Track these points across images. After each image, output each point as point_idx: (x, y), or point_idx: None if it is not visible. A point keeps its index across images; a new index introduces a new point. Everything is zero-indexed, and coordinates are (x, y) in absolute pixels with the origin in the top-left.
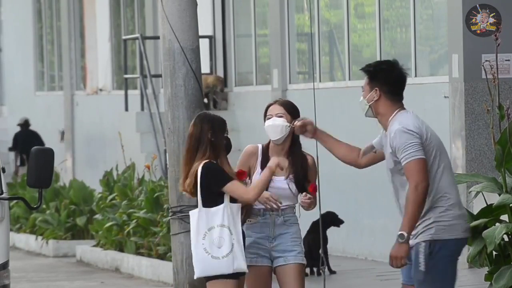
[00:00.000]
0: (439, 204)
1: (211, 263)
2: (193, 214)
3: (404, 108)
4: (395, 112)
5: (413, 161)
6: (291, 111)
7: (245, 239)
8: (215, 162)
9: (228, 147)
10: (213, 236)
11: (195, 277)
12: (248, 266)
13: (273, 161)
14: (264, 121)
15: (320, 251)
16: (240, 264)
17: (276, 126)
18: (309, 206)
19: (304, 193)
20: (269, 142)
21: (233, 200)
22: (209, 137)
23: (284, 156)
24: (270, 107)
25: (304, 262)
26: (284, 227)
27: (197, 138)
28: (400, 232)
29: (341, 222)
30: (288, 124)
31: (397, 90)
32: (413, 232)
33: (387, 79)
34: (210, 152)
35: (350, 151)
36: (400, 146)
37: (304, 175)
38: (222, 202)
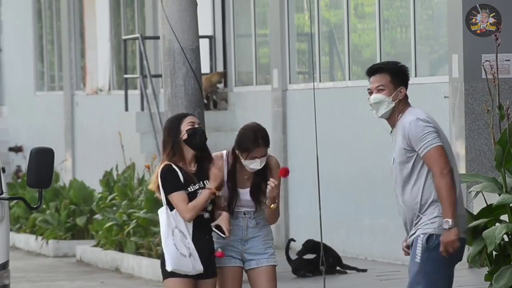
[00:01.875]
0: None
1: (181, 260)
2: (162, 212)
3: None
4: (406, 108)
5: (433, 149)
6: (268, 141)
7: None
8: (172, 165)
9: (193, 141)
10: (179, 235)
11: (168, 270)
12: (220, 268)
13: (212, 184)
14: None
15: (320, 251)
16: (199, 266)
17: (258, 169)
18: (271, 195)
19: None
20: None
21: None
22: (170, 138)
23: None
24: (255, 150)
25: (276, 263)
26: (256, 230)
27: (163, 141)
28: (444, 220)
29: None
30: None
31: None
32: (415, 227)
33: (407, 78)
34: (171, 153)
35: None
36: (417, 135)
37: (261, 180)
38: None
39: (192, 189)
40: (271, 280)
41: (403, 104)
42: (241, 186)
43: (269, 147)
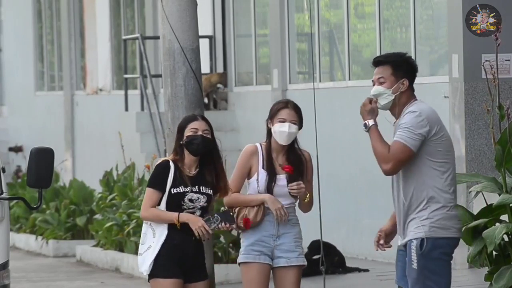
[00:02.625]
0: (434, 202)
1: (139, 258)
2: None
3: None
4: (412, 101)
5: (400, 143)
6: (300, 116)
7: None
8: (170, 162)
9: (190, 148)
10: (143, 231)
11: None
12: (251, 263)
13: (181, 218)
14: (270, 119)
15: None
16: (145, 267)
17: (291, 134)
18: (299, 194)
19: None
20: (269, 142)
21: (170, 209)
22: (176, 139)
23: (284, 155)
24: (284, 111)
25: (305, 263)
26: (288, 227)
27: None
28: (369, 124)
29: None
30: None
31: (414, 81)
32: (407, 230)
33: (411, 71)
34: (175, 153)
35: None
36: (404, 124)
37: (301, 170)
38: (159, 204)
39: (181, 190)
40: (296, 281)
41: (406, 96)
42: (277, 173)
43: (301, 119)
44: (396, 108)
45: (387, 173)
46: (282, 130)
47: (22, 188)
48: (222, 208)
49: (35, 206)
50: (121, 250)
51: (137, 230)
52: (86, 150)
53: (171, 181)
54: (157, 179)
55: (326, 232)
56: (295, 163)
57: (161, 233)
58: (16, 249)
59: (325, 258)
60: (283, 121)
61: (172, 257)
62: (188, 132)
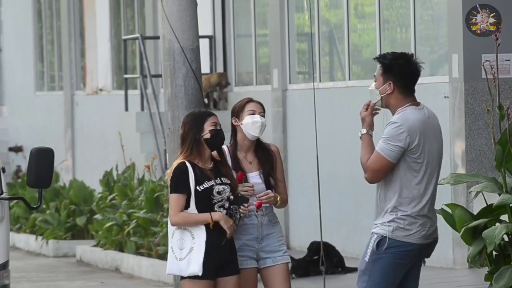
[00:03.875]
0: (404, 206)
1: (174, 263)
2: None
3: (417, 103)
4: (406, 105)
5: (381, 155)
6: (264, 110)
7: (232, 245)
8: (186, 163)
9: (213, 142)
10: (178, 237)
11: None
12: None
13: (219, 218)
14: (236, 117)
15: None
16: (195, 269)
17: (263, 125)
18: (269, 203)
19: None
20: (234, 143)
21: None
22: (191, 134)
23: (253, 151)
24: (250, 104)
25: (289, 260)
26: (270, 227)
27: (182, 135)
28: (363, 133)
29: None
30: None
31: (410, 85)
32: (375, 222)
33: (402, 74)
34: (189, 150)
35: None
36: (384, 134)
37: (271, 166)
38: (189, 206)
39: (208, 185)
40: (285, 277)
41: (395, 99)
42: (248, 171)
43: (265, 112)
44: (389, 109)
45: (367, 181)
46: (255, 121)
47: (22, 188)
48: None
49: (35, 206)
50: (121, 250)
51: (137, 230)
52: (86, 150)
53: (194, 180)
54: (179, 182)
55: (326, 232)
56: (264, 158)
57: (200, 233)
58: (16, 249)
59: (325, 258)
60: (253, 113)
61: (211, 257)
62: (209, 127)
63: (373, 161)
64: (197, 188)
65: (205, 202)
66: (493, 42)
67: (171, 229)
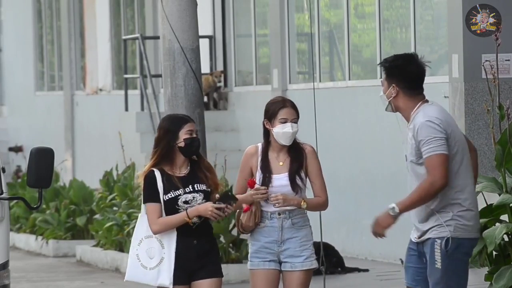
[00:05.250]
0: (458, 201)
1: (140, 271)
2: (139, 218)
3: (427, 100)
4: (418, 105)
5: (434, 156)
6: (298, 112)
7: (187, 255)
8: (155, 171)
9: (187, 151)
10: (146, 246)
11: (124, 280)
12: (256, 270)
13: (192, 213)
14: (268, 120)
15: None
16: (165, 281)
17: (294, 134)
18: (282, 205)
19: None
20: (267, 142)
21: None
22: (164, 141)
23: (286, 151)
24: (283, 110)
25: (313, 266)
26: (292, 231)
27: (156, 138)
28: (394, 206)
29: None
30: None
31: (415, 85)
32: (427, 226)
33: (403, 75)
34: (160, 157)
35: None
36: (423, 139)
37: (299, 166)
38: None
39: (173, 195)
40: (301, 285)
41: (403, 101)
42: (276, 172)
43: (298, 115)
44: (400, 112)
45: (444, 185)
46: (285, 131)
47: (22, 188)
48: (217, 195)
49: (35, 206)
50: (121, 250)
51: None
52: (86, 150)
53: (162, 189)
54: (150, 192)
55: (326, 232)
56: (294, 158)
57: (170, 242)
58: (16, 249)
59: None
60: (285, 121)
61: (182, 265)
62: (184, 135)
63: (434, 165)
64: (164, 197)
65: (172, 212)
66: (493, 42)
67: (139, 236)
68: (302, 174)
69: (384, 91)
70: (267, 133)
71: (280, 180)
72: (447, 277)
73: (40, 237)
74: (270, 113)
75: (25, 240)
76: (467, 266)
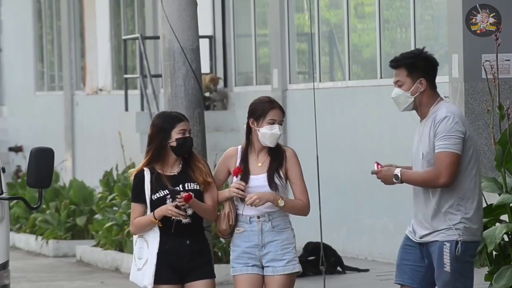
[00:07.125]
0: (467, 204)
1: (134, 271)
2: None
3: (442, 98)
4: (437, 100)
5: (448, 153)
6: (284, 114)
7: (172, 255)
8: (144, 170)
9: (179, 150)
10: (138, 245)
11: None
12: (238, 275)
13: (157, 213)
14: (255, 119)
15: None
16: (146, 282)
17: (280, 136)
18: (255, 205)
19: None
20: (247, 142)
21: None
22: (157, 139)
23: (266, 153)
24: (272, 112)
25: (296, 270)
26: (273, 234)
27: (149, 136)
28: (399, 174)
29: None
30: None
31: (435, 78)
32: (435, 227)
33: (429, 68)
34: (151, 156)
35: None
36: (441, 132)
37: (278, 166)
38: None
39: (161, 194)
40: None
41: (427, 96)
42: (254, 173)
43: (284, 115)
44: (419, 109)
45: (447, 184)
46: (273, 132)
47: (22, 188)
48: (182, 193)
49: (35, 206)
50: (121, 250)
51: None
52: (86, 150)
53: (149, 189)
54: (135, 192)
55: (326, 232)
56: (273, 158)
57: (153, 242)
58: (16, 249)
59: (319, 259)
60: (273, 122)
61: (166, 263)
62: (177, 134)
63: (444, 162)
64: (152, 197)
65: None
66: (493, 42)
67: (134, 236)
68: (282, 174)
69: (407, 88)
70: (249, 131)
71: (258, 181)
72: (455, 279)
73: (40, 237)
74: (259, 113)
75: (25, 240)
76: (473, 267)
